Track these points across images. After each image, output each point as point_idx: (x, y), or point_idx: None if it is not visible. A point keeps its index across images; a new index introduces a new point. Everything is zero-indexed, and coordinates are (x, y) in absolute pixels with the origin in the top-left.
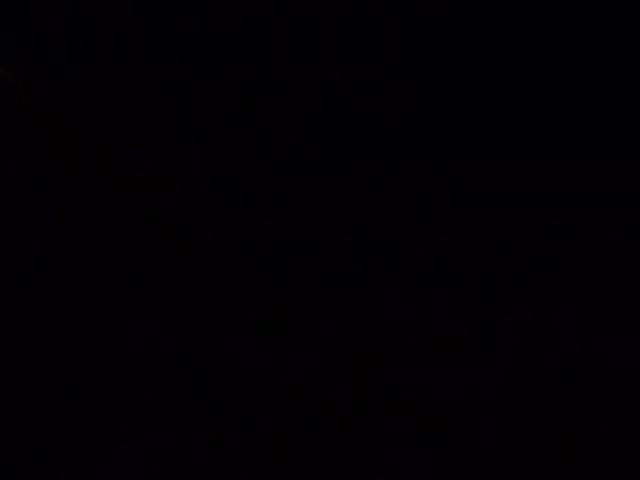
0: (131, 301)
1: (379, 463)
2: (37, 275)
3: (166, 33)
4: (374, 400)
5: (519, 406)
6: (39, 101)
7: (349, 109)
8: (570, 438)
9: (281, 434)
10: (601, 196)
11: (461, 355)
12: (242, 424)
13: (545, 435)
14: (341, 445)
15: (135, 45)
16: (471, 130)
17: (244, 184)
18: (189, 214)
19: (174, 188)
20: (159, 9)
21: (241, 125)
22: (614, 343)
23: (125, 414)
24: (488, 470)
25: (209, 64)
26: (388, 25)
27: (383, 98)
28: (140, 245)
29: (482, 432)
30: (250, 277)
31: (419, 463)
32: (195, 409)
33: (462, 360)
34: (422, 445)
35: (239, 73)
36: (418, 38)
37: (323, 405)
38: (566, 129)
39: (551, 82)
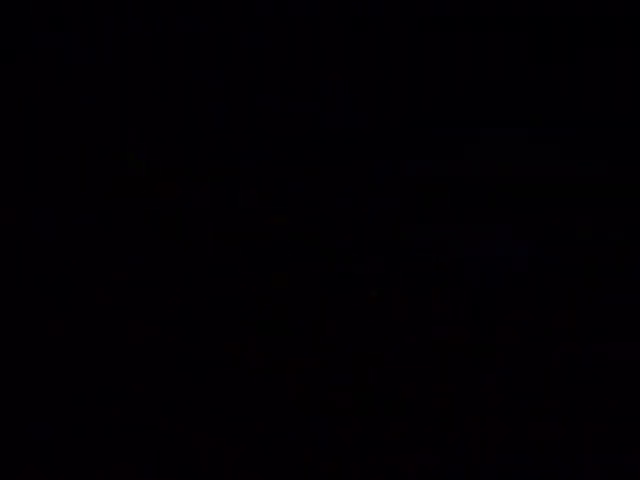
0: (131, 301)
1: (379, 463)
2: (37, 275)
3: (166, 33)
4: (374, 400)
5: (519, 406)
6: (39, 101)
7: (349, 109)
8: (570, 438)
9: (281, 434)
10: (601, 196)
11: (461, 355)
12: (242, 424)
13: (545, 435)
14: (341, 445)
15: (135, 45)
16: (471, 130)
17: (244, 184)
18: (189, 214)
19: (174, 188)
20: (159, 9)
21: (241, 125)
22: (614, 343)
23: (125, 414)
24: (488, 470)
25: (209, 64)
26: (388, 25)
27: (383, 98)
28: (140, 245)
29: (482, 432)
30: (250, 277)
31: (419, 463)
32: (195, 409)
33: (462, 360)
34: (422, 445)
35: (239, 73)
36: (418, 38)
37: (323, 405)
38: (566, 129)
39: (551, 82)
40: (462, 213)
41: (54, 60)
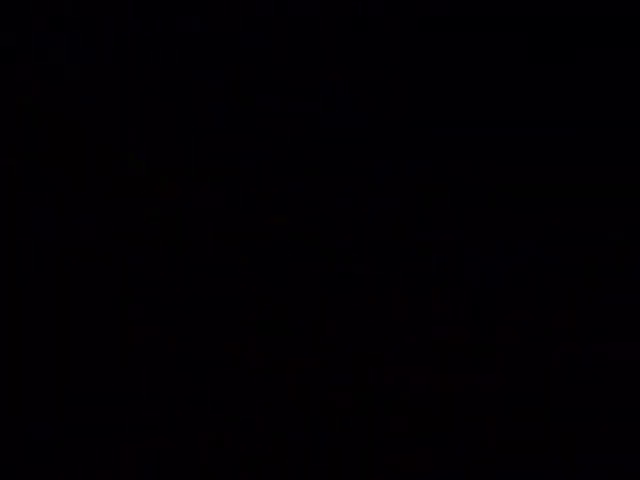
0: (131, 301)
1: (379, 463)
2: (37, 275)
3: (166, 33)
4: (374, 400)
5: (519, 406)
6: (39, 101)
7: (349, 109)
8: (570, 438)
9: (281, 434)
10: (601, 196)
11: (461, 355)
12: (242, 424)
13: (545, 435)
14: (341, 445)
15: (135, 45)
16: (471, 130)
17: (244, 184)
18: (189, 214)
19: (174, 188)
20: (159, 9)
21: (241, 125)
22: (614, 343)
23: (125, 414)
24: (488, 470)
25: (209, 64)
26: (388, 25)
27: (383, 98)
28: (140, 245)
29: (482, 432)
30: (250, 277)
31: (419, 463)
32: (195, 409)
33: (462, 360)
34: (422, 445)
35: (239, 73)
36: (418, 38)
37: (323, 405)
38: (566, 129)
39: (551, 82)
40: (462, 213)
41: (54, 60)
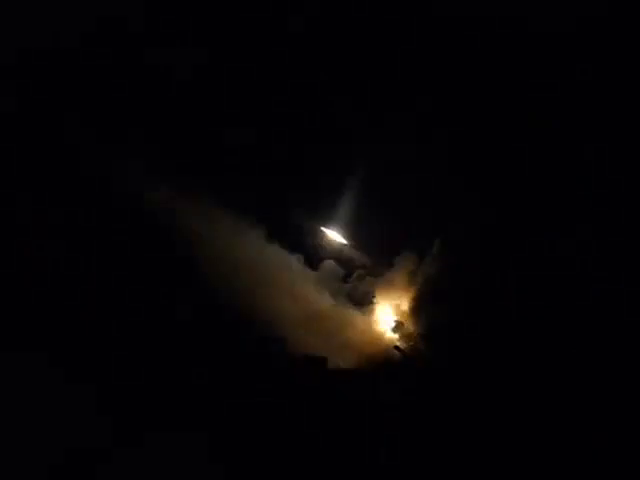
0: (129, 301)
1: (381, 462)
2: (36, 277)
3: (167, 33)
4: (374, 401)
5: (519, 406)
6: (38, 101)
7: (349, 109)
8: (570, 437)
9: (281, 434)
10: (601, 196)
11: (463, 356)
12: (241, 424)
13: (545, 435)
14: (341, 444)
15: (135, 45)
16: (471, 128)
17: (245, 182)
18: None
19: (174, 188)
20: (160, 9)
21: (242, 125)
22: (615, 346)
23: (125, 414)
24: (488, 470)
25: (210, 66)
26: (389, 25)
27: (383, 98)
28: (139, 246)
29: (482, 432)
30: (251, 276)
31: (422, 463)
32: (194, 409)
33: (465, 360)
34: (422, 445)
35: (240, 73)
36: (418, 38)
37: (323, 406)
38: (565, 126)
39: (550, 83)
40: (466, 211)
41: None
